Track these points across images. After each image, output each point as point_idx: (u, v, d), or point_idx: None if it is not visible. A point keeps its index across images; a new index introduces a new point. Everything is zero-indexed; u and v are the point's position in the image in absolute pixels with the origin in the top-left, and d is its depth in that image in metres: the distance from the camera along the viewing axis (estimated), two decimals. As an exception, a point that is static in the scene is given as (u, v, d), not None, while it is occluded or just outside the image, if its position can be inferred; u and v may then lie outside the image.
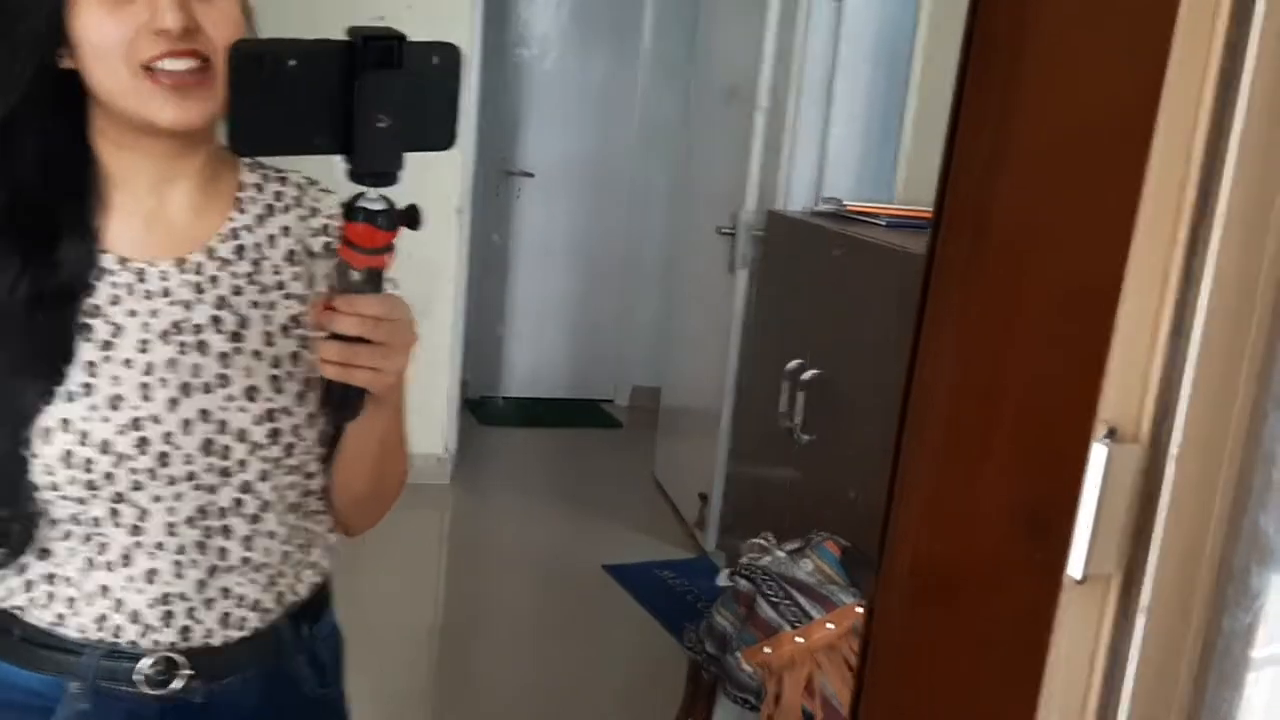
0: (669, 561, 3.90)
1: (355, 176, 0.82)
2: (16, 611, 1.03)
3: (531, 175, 5.57)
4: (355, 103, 0.79)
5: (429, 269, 4.19)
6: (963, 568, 0.69)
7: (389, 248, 0.86)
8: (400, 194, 0.86)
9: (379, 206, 0.83)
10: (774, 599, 1.67)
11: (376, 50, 0.79)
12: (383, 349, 0.88)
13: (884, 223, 2.49)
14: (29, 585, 1.03)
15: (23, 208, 0.97)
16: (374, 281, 0.87)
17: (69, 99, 0.97)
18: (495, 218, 5.52)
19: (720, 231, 3.92)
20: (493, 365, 5.66)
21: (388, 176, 0.82)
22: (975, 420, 0.57)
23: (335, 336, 0.87)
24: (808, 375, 2.45)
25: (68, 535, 1.01)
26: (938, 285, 0.56)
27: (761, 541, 1.77)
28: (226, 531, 1.03)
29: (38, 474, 0.97)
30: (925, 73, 2.99)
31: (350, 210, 0.84)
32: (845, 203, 2.62)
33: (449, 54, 0.83)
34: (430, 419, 4.41)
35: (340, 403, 0.92)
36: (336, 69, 0.79)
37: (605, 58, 5.55)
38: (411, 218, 0.85)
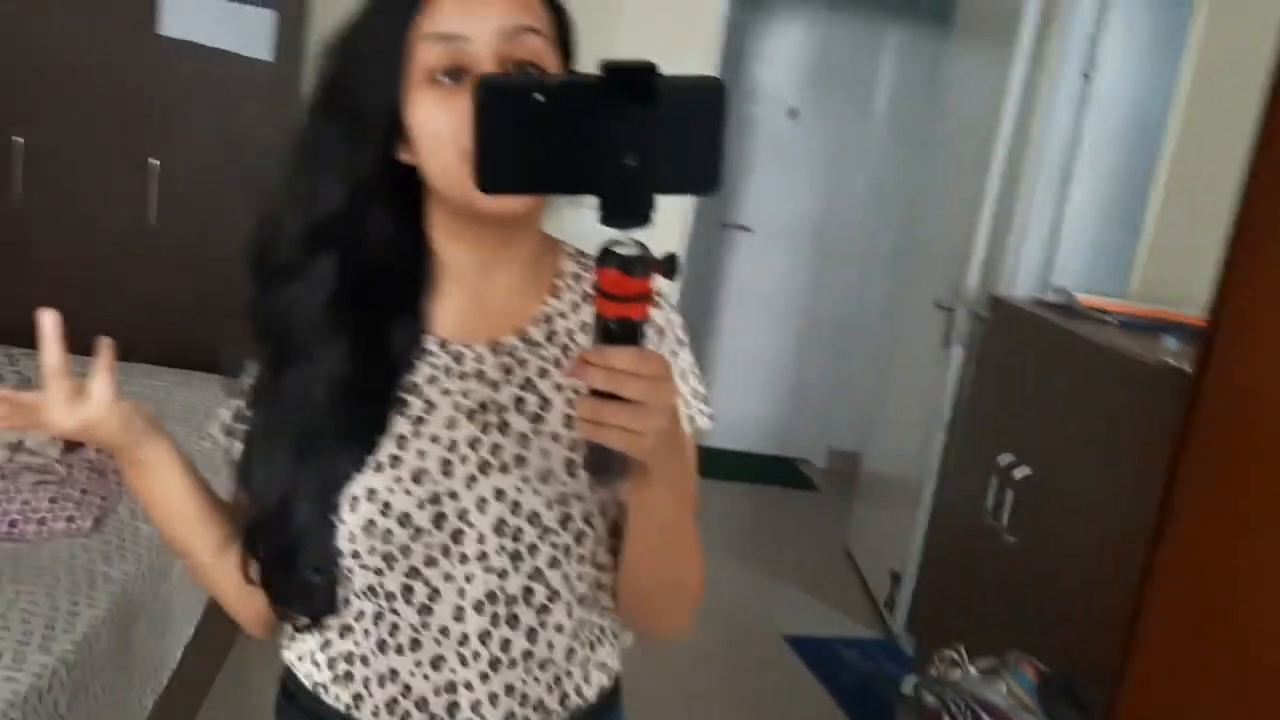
0: (854, 639, 3.79)
1: (605, 219, 0.77)
2: (319, 690, 1.09)
3: (750, 230, 5.58)
4: (605, 139, 0.74)
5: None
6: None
7: (643, 296, 0.79)
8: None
9: (632, 252, 0.77)
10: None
11: (628, 83, 0.74)
12: (635, 407, 0.81)
13: (1116, 321, 2.34)
14: (331, 663, 1.08)
15: (359, 290, 1.02)
16: (627, 333, 0.80)
17: (406, 191, 1.02)
18: (709, 268, 5.55)
19: (938, 305, 3.81)
20: (713, 410, 5.67)
21: (639, 219, 0.77)
22: (1230, 583, 0.52)
23: (593, 393, 0.82)
24: (1020, 473, 2.33)
25: (362, 614, 1.05)
26: (1196, 442, 0.51)
27: (953, 655, 1.69)
28: (513, 621, 1.04)
29: (342, 540, 1.01)
30: (1176, 163, 2.81)
31: (602, 255, 0.78)
32: (1076, 295, 2.48)
33: (711, 89, 0.76)
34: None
35: (598, 465, 0.86)
36: (587, 104, 0.74)
37: (836, 119, 5.51)
38: (669, 266, 0.79)
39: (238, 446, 1.07)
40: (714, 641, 3.80)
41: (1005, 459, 2.39)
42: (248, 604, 1.10)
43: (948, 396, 3.72)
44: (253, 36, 3.27)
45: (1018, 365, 2.60)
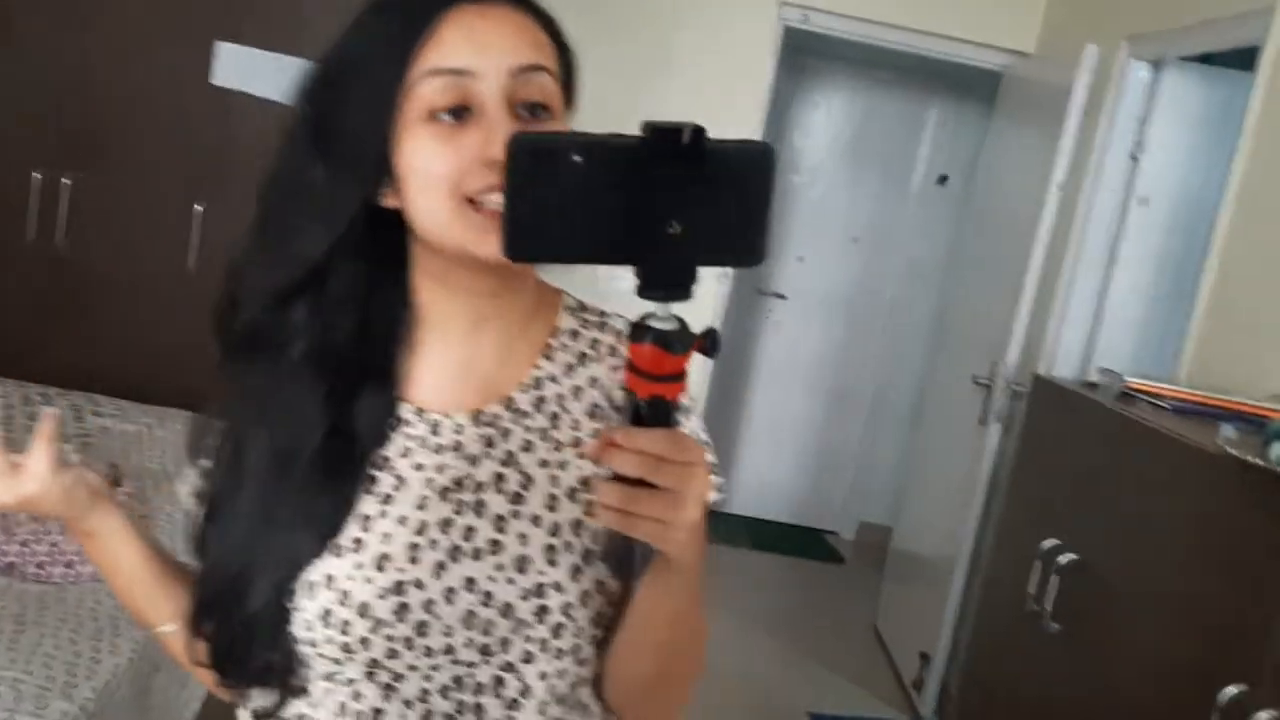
0: (879, 720, 3.69)
1: (643, 290, 0.70)
2: None
3: (784, 298, 5.57)
4: (647, 204, 0.68)
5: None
6: None
7: (680, 375, 0.72)
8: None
9: (670, 326, 0.71)
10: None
11: (673, 145, 0.68)
12: (669, 496, 0.73)
13: (1168, 406, 2.30)
14: None
15: (331, 352, 0.93)
16: (662, 414, 0.73)
17: (387, 238, 0.93)
18: (744, 335, 5.53)
19: (976, 381, 3.76)
20: (722, 479, 5.62)
21: (680, 290, 0.70)
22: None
23: (617, 478, 0.74)
24: (1065, 559, 2.26)
25: (322, 695, 0.96)
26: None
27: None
28: (479, 711, 0.94)
29: (299, 628, 0.92)
30: (1229, 248, 2.78)
31: (637, 330, 0.71)
32: (1126, 378, 2.44)
33: (761, 154, 0.70)
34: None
35: (622, 559, 0.80)
36: (627, 166, 0.68)
37: (874, 190, 5.52)
38: (710, 342, 0.72)
39: (193, 501, 0.99)
40: (738, 714, 3.70)
41: (1049, 543, 2.33)
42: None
43: (983, 474, 3.66)
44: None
45: (1064, 447, 2.55)
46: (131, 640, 1.96)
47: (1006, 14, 4.23)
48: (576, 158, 0.68)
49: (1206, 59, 3.26)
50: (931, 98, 5.45)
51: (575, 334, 1.01)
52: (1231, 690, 1.67)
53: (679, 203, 0.68)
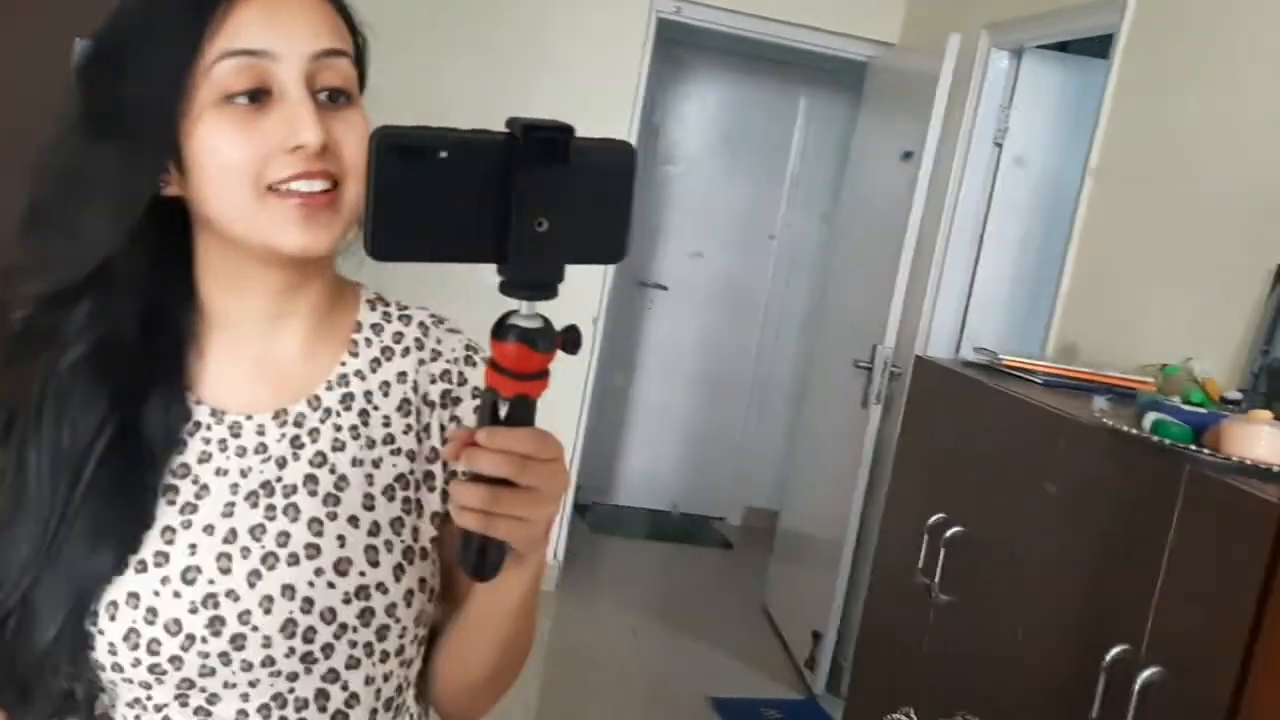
0: (777, 700, 3.76)
1: (508, 288, 0.70)
2: None
3: (665, 288, 5.61)
4: (513, 202, 0.67)
5: (558, 376, 4.22)
6: None
7: (544, 374, 0.71)
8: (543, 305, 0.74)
9: (535, 325, 0.70)
10: (914, 783, 1.57)
11: (540, 143, 0.67)
12: (531, 495, 0.72)
13: (1041, 381, 2.39)
14: None
15: (115, 352, 0.87)
16: (524, 413, 0.72)
17: (171, 230, 0.88)
18: (625, 327, 5.55)
19: (857, 365, 3.86)
20: (607, 472, 5.64)
21: (546, 289, 0.70)
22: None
23: (476, 478, 0.72)
24: (951, 532, 2.34)
25: (132, 705, 0.89)
26: None
27: (902, 717, 1.67)
28: None
29: (101, 653, 0.85)
30: (1089, 228, 2.91)
31: (501, 328, 0.70)
32: (1001, 356, 2.53)
33: (623, 153, 0.71)
34: (543, 522, 4.38)
35: (478, 559, 0.76)
36: (494, 163, 0.67)
37: (750, 180, 5.60)
38: (571, 341, 0.72)
39: None
40: (638, 702, 3.73)
41: (936, 517, 2.40)
42: None
43: (866, 454, 3.76)
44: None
45: (945, 424, 2.63)
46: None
47: (871, 5, 4.35)
48: (443, 154, 0.67)
49: (1063, 47, 3.40)
50: (802, 88, 5.55)
51: (379, 328, 0.98)
52: (1116, 650, 1.75)
53: (545, 200, 0.68)
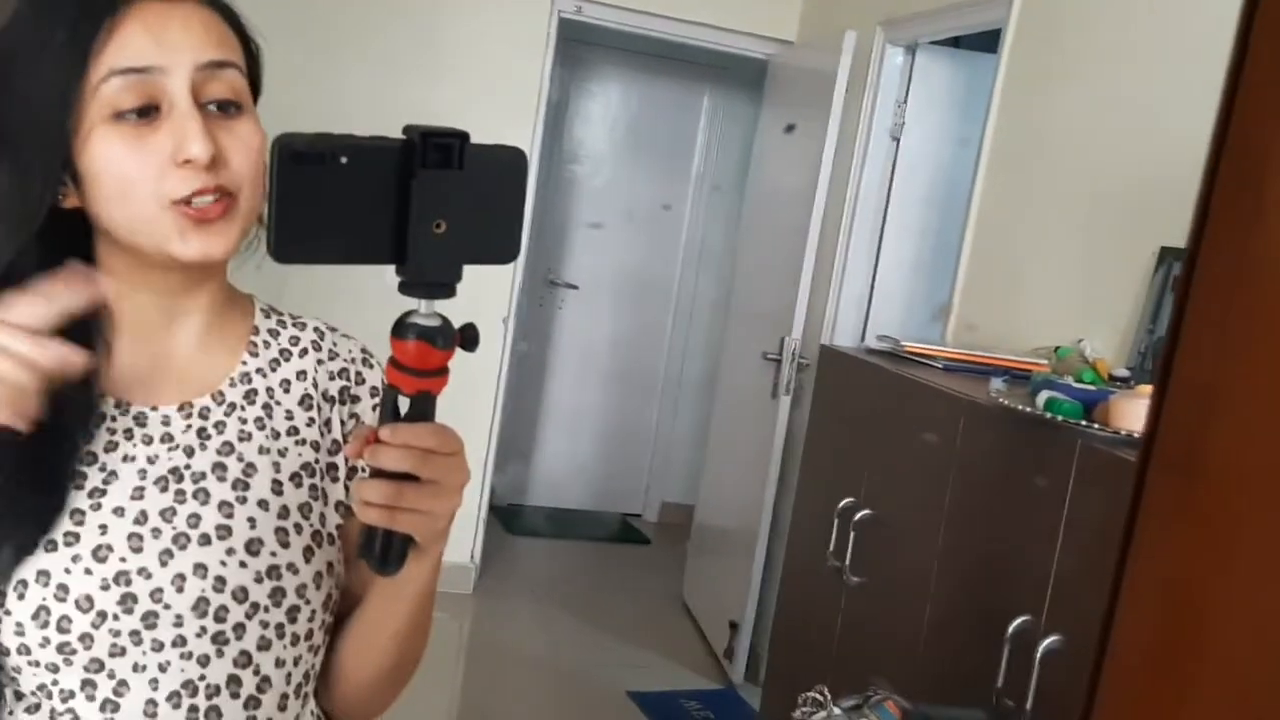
0: (695, 691, 3.80)
1: (408, 288, 0.73)
2: None
3: (575, 287, 5.62)
4: (411, 206, 0.71)
5: (470, 377, 4.21)
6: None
7: (443, 370, 0.75)
8: (449, 305, 0.77)
9: (434, 323, 0.73)
10: (830, 759, 1.61)
11: (436, 149, 0.71)
12: (433, 488, 0.75)
13: (941, 365, 2.47)
14: None
15: None
16: (424, 409, 0.75)
17: (70, 239, 0.90)
18: (536, 326, 5.55)
19: (766, 357, 3.92)
20: (522, 473, 5.63)
21: (444, 288, 0.73)
22: (1184, 663, 0.54)
23: (378, 474, 0.75)
24: (859, 515, 2.40)
25: (33, 711, 0.88)
26: (1146, 521, 0.53)
27: (817, 696, 1.71)
28: (215, 715, 0.91)
29: (6, 634, 0.85)
30: (983, 218, 3.01)
31: (401, 327, 0.73)
32: (903, 343, 2.60)
33: (515, 158, 0.75)
34: (458, 525, 4.29)
35: (382, 553, 0.78)
36: (391, 169, 0.70)
37: (655, 177, 5.64)
38: (469, 337, 0.75)
39: None
40: (558, 701, 3.74)
41: (845, 502, 2.46)
42: None
43: (778, 445, 3.82)
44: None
45: (851, 411, 2.70)
46: None
47: (769, 4, 4.41)
48: (342, 159, 0.69)
49: (956, 42, 3.50)
50: (704, 86, 5.61)
51: (275, 332, 1.03)
52: (1018, 622, 1.82)
53: (441, 204, 0.71)
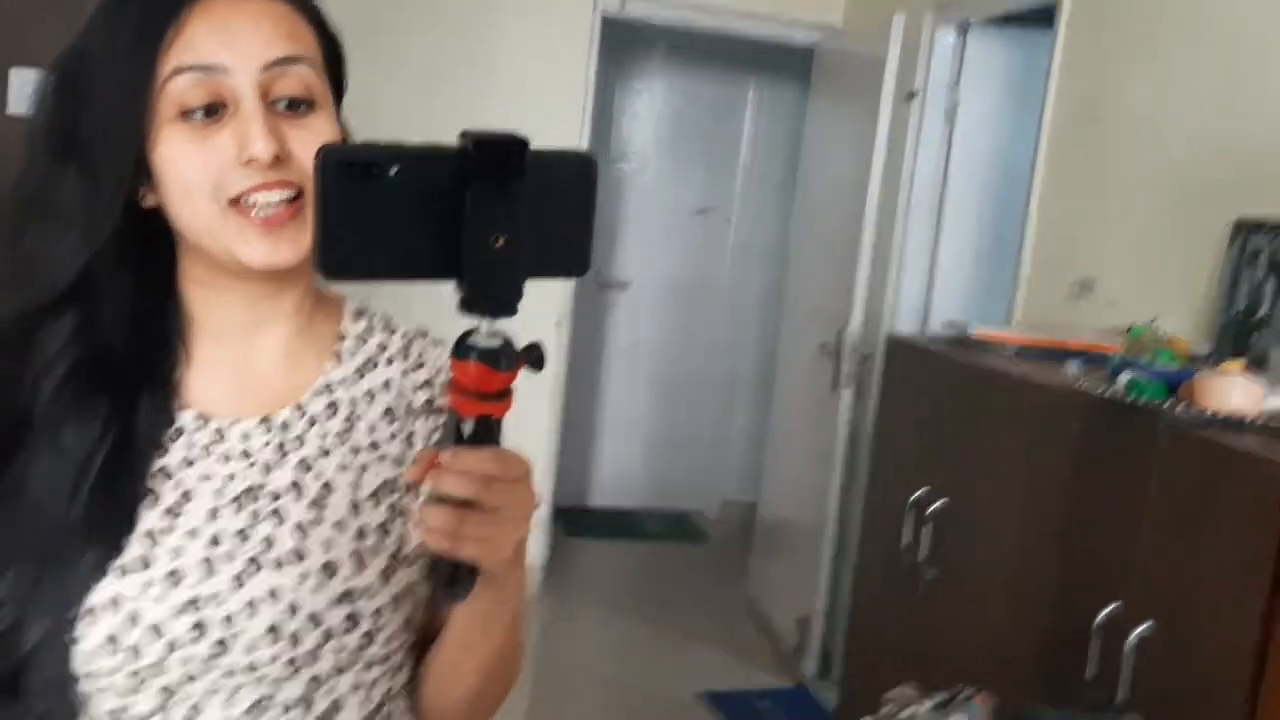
0: (769, 690, 3.75)
1: (466, 305, 0.68)
2: None
3: (626, 286, 5.60)
4: (467, 219, 0.66)
5: (528, 382, 4.20)
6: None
7: (506, 393, 0.70)
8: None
9: (495, 344, 0.69)
10: (919, 758, 1.56)
11: (493, 157, 0.66)
12: (497, 515, 0.72)
13: (1012, 351, 2.41)
14: None
15: (105, 362, 0.87)
16: (487, 433, 0.71)
17: (153, 240, 0.88)
18: (589, 328, 5.54)
19: (823, 350, 3.87)
20: (581, 475, 5.62)
21: (505, 306, 0.68)
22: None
23: (442, 500, 0.72)
24: (934, 506, 2.35)
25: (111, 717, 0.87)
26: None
27: (907, 690, 1.67)
28: None
29: (78, 661, 0.83)
30: (1045, 198, 2.93)
31: (461, 348, 0.69)
32: (972, 329, 2.54)
33: (583, 165, 0.70)
34: (520, 530, 4.36)
35: (449, 580, 0.75)
36: (445, 179, 0.65)
37: (703, 172, 5.60)
38: (535, 358, 0.71)
39: None
40: (629, 705, 3.71)
41: (919, 493, 2.41)
42: None
43: (841, 437, 3.77)
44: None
45: (921, 401, 2.64)
46: None
47: (813, -11, 4.35)
48: (393, 170, 0.65)
49: (1008, 20, 3.43)
50: (749, 77, 5.56)
51: (362, 338, 0.98)
52: (1107, 610, 1.76)
53: (501, 215, 0.66)
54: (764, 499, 4.65)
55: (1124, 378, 1.81)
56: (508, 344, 0.70)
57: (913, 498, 2.41)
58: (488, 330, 0.69)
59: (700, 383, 5.71)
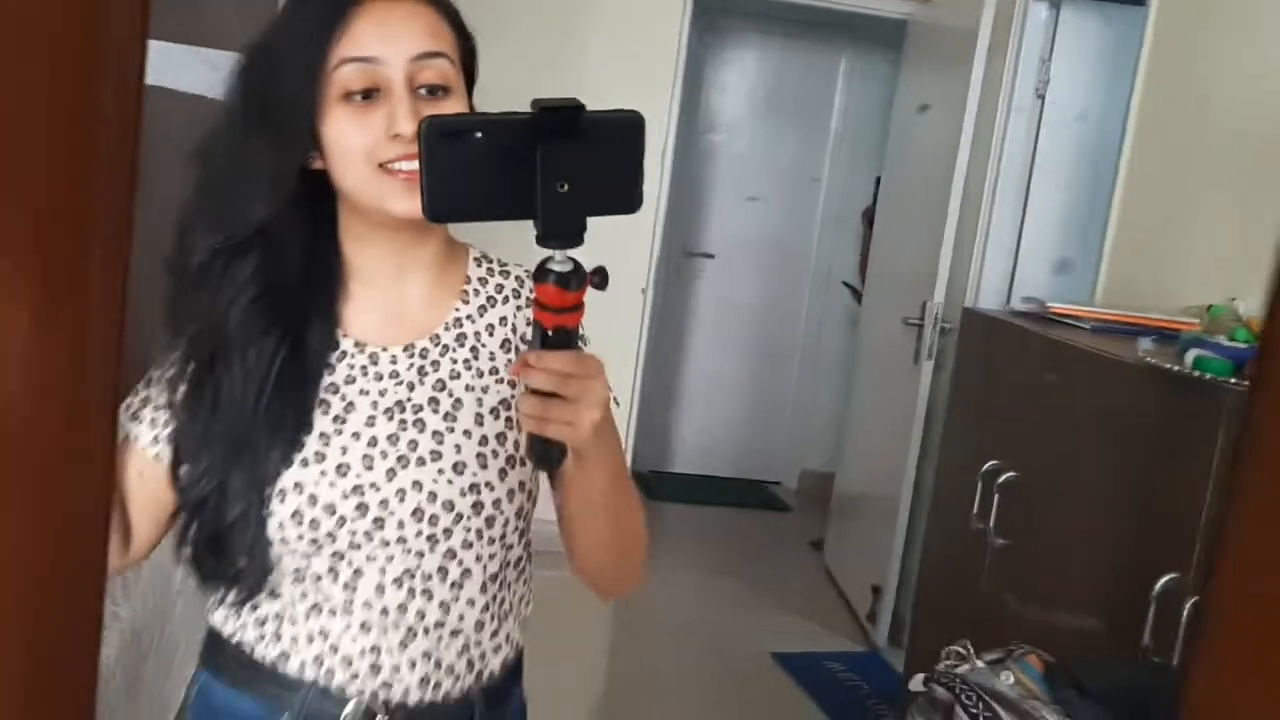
0: (838, 653, 3.83)
1: (541, 240, 0.85)
2: (246, 646, 1.14)
3: (713, 256, 5.67)
4: (538, 171, 0.82)
5: (610, 347, 4.30)
6: None
7: (578, 307, 0.88)
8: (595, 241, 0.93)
9: (565, 268, 0.86)
10: (973, 709, 1.63)
11: (556, 120, 0.82)
12: (575, 403, 0.92)
13: (1088, 326, 2.44)
14: (260, 623, 1.14)
15: (277, 296, 1.09)
16: (565, 339, 0.90)
17: (319, 200, 1.10)
18: (676, 296, 5.62)
19: (907, 322, 3.90)
20: (663, 440, 5.73)
21: (573, 239, 0.85)
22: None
23: (532, 392, 0.91)
24: (1004, 478, 2.40)
25: (294, 583, 1.11)
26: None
27: (960, 649, 1.74)
28: (428, 595, 1.12)
29: (271, 530, 1.08)
30: (1132, 174, 2.93)
31: (540, 273, 0.87)
32: (1049, 304, 2.57)
33: (631, 121, 0.86)
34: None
35: (541, 455, 0.96)
36: (520, 139, 0.82)
37: (793, 143, 5.63)
38: (600, 278, 0.88)
39: (136, 430, 1.12)
40: (702, 660, 3.83)
41: (989, 464, 2.46)
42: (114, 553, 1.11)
43: (920, 410, 3.80)
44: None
45: (994, 374, 2.68)
46: (118, 634, 1.99)
47: (907, -37, 4.35)
48: (478, 134, 0.83)
49: (1101, -4, 3.40)
50: (840, 48, 5.56)
51: (484, 280, 1.20)
52: (1164, 580, 1.81)
53: (565, 166, 0.83)
54: (842, 469, 4.70)
55: (1191, 354, 1.84)
56: (577, 268, 0.86)
57: (983, 468, 2.47)
58: (560, 258, 0.86)
59: (785, 353, 5.76)
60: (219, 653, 1.17)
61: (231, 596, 1.13)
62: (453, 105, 1.06)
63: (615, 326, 4.30)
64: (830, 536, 4.67)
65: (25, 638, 0.39)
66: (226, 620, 1.16)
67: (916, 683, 1.74)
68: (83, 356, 0.37)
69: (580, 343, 1.03)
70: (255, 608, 1.13)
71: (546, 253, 0.86)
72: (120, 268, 0.37)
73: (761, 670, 3.70)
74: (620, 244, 4.78)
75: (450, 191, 0.84)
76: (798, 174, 5.64)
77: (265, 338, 1.07)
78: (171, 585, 2.27)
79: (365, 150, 1.04)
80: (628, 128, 0.86)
